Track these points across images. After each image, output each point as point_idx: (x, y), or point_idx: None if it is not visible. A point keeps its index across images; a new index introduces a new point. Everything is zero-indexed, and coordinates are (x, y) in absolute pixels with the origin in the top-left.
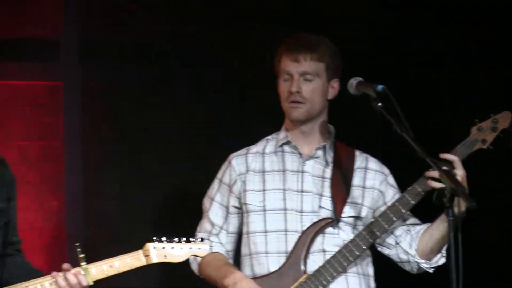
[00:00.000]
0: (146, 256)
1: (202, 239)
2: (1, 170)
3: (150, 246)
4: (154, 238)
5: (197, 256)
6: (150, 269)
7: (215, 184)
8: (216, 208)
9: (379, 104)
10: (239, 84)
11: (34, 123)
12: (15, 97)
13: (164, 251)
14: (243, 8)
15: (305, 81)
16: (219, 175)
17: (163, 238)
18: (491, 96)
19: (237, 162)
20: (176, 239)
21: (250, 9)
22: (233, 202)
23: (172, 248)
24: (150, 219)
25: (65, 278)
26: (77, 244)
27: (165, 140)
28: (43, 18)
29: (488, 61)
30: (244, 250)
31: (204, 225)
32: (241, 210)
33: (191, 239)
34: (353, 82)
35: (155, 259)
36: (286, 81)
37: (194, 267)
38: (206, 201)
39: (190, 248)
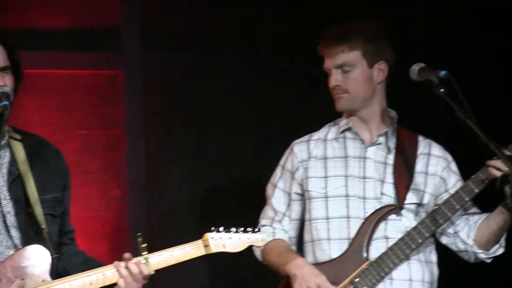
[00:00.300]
0: (206, 246)
1: (259, 229)
2: (56, 161)
3: (209, 236)
4: (212, 228)
5: (254, 246)
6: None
7: (278, 171)
8: (279, 195)
9: (442, 90)
10: (303, 72)
11: (95, 112)
12: (76, 87)
13: (222, 241)
14: None
15: (343, 72)
16: (281, 162)
17: (221, 229)
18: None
19: (299, 149)
20: (233, 229)
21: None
22: (296, 189)
23: (230, 238)
24: (212, 207)
25: (127, 268)
26: (139, 233)
27: (227, 128)
28: (104, 7)
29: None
30: (306, 237)
31: (267, 212)
32: (304, 197)
33: (248, 229)
34: (415, 68)
35: (214, 249)
36: (329, 75)
37: (257, 253)
38: (269, 188)
39: (248, 238)
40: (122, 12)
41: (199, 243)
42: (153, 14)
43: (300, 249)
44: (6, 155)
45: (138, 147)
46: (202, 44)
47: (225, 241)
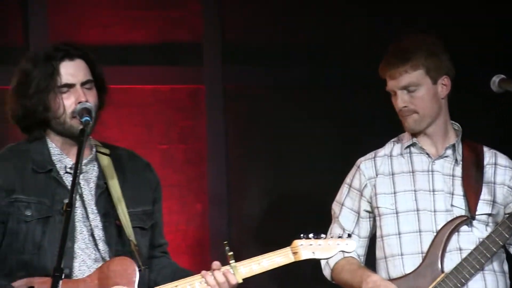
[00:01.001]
0: (295, 253)
1: (349, 235)
2: (147, 174)
3: (298, 243)
4: (302, 235)
5: (344, 252)
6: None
7: (344, 189)
8: (346, 213)
9: None
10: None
11: (176, 126)
12: (157, 101)
13: (312, 247)
14: (391, 5)
15: (409, 92)
16: (347, 180)
17: (311, 235)
18: None
19: (365, 166)
20: (323, 235)
21: (401, 7)
22: (364, 206)
23: (319, 244)
24: (293, 219)
25: (214, 277)
26: (226, 242)
27: (307, 141)
28: (185, 22)
29: None
30: (378, 253)
31: (334, 230)
32: (373, 214)
33: (339, 234)
34: (496, 79)
35: (303, 256)
36: (394, 96)
37: (327, 272)
38: (335, 207)
39: (338, 244)
40: (203, 27)
41: (287, 250)
42: (234, 29)
43: (368, 266)
44: (94, 169)
45: (219, 160)
46: (283, 58)
47: (315, 247)
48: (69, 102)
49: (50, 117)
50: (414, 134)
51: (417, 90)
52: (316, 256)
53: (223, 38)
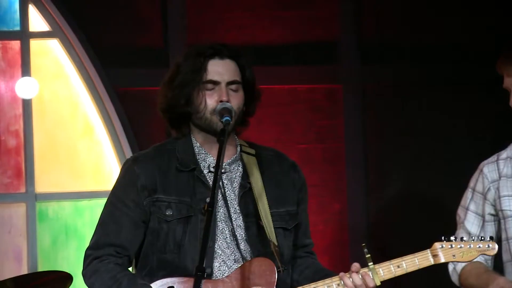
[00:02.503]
0: (434, 256)
1: (491, 238)
2: (292, 174)
3: (438, 245)
4: (443, 238)
5: (485, 255)
6: None
7: (468, 194)
8: (471, 218)
9: None
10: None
11: (314, 126)
12: (295, 101)
13: (452, 250)
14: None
15: None
16: (471, 184)
17: (452, 237)
18: None
19: (488, 169)
20: (464, 238)
21: None
22: (489, 209)
23: (460, 247)
24: (433, 221)
25: (352, 279)
26: (364, 244)
27: (448, 141)
28: (322, 21)
29: None
30: (505, 256)
31: (461, 235)
32: (497, 217)
33: (480, 236)
34: None
35: (443, 259)
36: (511, 94)
37: (455, 278)
38: (460, 212)
39: (479, 247)
40: (340, 26)
41: (427, 253)
42: (371, 28)
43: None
44: (238, 169)
45: (357, 160)
46: (420, 56)
47: (455, 250)
48: (211, 100)
49: (191, 111)
50: None
51: None
52: (457, 259)
53: (360, 36)
